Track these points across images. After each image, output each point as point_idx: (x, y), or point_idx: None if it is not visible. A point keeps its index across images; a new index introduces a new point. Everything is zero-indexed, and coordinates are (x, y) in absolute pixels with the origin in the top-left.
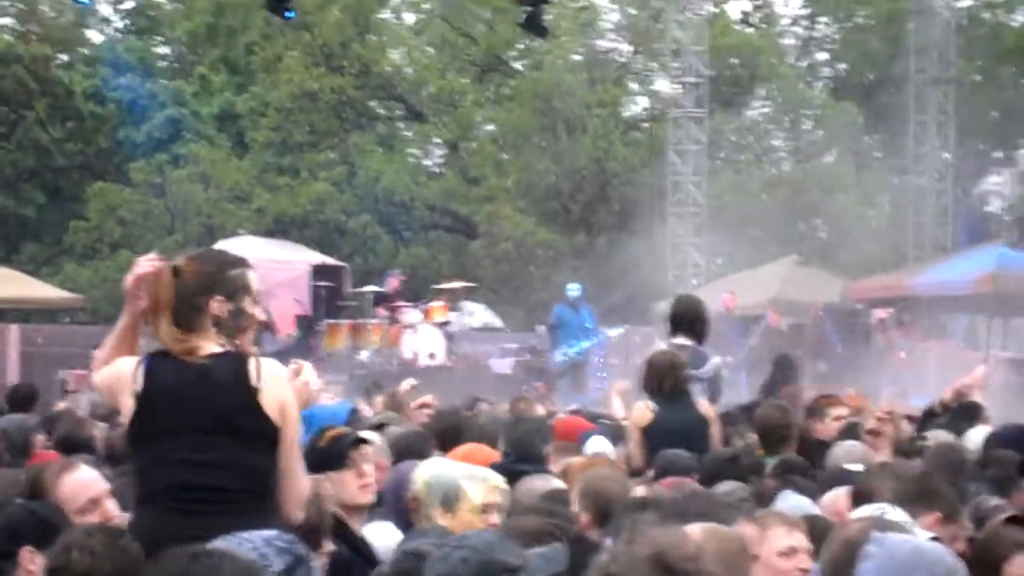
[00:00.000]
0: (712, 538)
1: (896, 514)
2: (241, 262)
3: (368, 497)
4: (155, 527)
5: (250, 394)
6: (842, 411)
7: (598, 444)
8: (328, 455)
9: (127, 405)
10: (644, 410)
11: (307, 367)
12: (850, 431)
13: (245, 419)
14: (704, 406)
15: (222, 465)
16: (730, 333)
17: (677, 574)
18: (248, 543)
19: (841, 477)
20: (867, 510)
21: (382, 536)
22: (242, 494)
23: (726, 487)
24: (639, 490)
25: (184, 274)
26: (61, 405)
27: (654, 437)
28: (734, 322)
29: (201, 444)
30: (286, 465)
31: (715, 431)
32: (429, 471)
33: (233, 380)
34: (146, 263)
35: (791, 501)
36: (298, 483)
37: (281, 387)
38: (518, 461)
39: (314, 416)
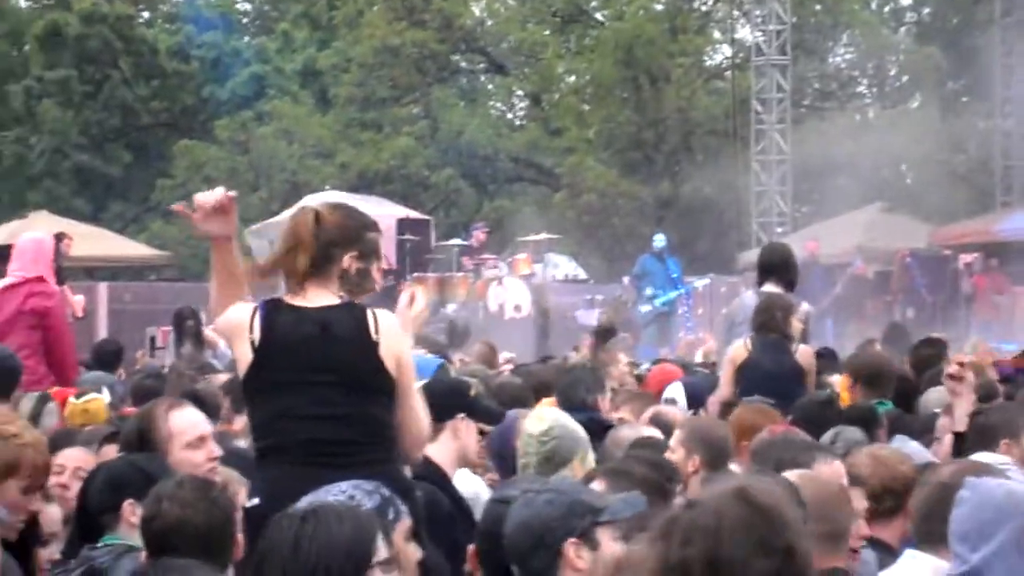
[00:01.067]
0: (809, 484)
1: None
2: (376, 226)
3: (480, 459)
4: (287, 480)
5: (370, 347)
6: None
7: (673, 391)
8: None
9: (244, 354)
10: (741, 347)
11: (419, 293)
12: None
13: (366, 373)
14: (804, 354)
15: (348, 418)
16: (815, 280)
17: (755, 506)
18: (337, 490)
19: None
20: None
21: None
22: (367, 446)
23: (848, 433)
24: None
25: (325, 223)
26: (142, 360)
27: (747, 375)
28: (819, 269)
29: (325, 397)
30: (404, 411)
31: (811, 380)
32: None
33: (354, 333)
34: (207, 196)
35: (908, 448)
36: (418, 426)
37: (397, 338)
38: (566, 411)
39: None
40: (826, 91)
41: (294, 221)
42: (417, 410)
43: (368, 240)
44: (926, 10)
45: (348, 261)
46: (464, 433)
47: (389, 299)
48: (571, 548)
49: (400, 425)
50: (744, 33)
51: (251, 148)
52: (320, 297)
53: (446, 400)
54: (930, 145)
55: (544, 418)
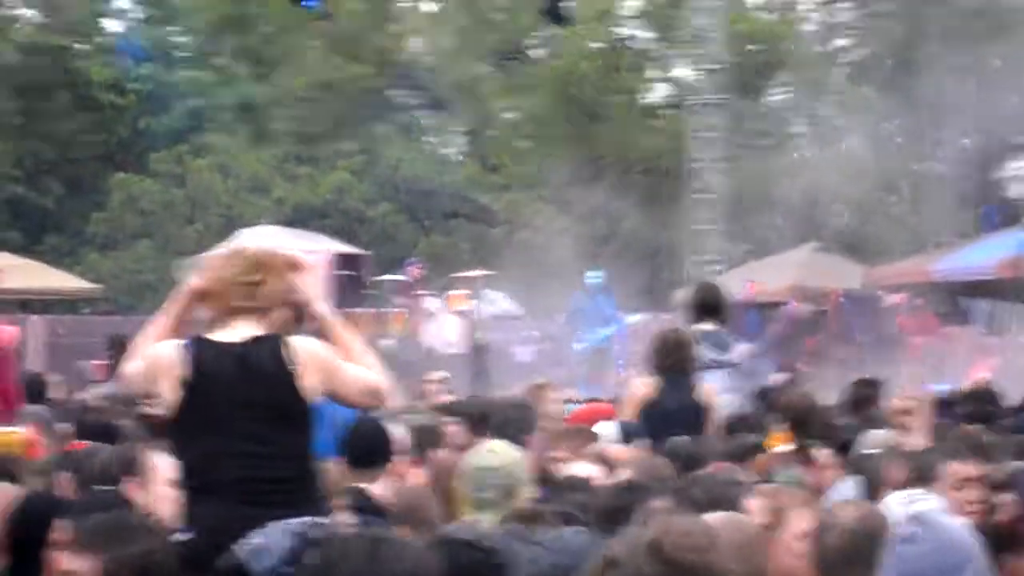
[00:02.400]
0: (729, 527)
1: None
2: (301, 264)
3: None
4: (224, 517)
5: (288, 377)
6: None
7: (604, 429)
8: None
9: (170, 392)
10: (642, 386)
11: (298, 255)
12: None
13: (288, 404)
14: (706, 390)
15: (277, 455)
16: (752, 320)
17: (675, 565)
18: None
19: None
20: (899, 496)
21: None
22: (299, 483)
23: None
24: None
25: (273, 262)
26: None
27: (650, 414)
28: (756, 309)
29: (253, 433)
30: (339, 386)
31: (713, 416)
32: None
33: (270, 365)
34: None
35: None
36: (358, 382)
37: (312, 357)
38: None
39: (337, 411)
40: (762, 130)
41: (242, 258)
42: (349, 370)
43: (301, 280)
44: (863, 51)
45: (285, 298)
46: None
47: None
48: None
49: (344, 392)
50: (682, 72)
51: (187, 182)
52: (241, 331)
53: (383, 444)
54: (865, 186)
55: (498, 451)
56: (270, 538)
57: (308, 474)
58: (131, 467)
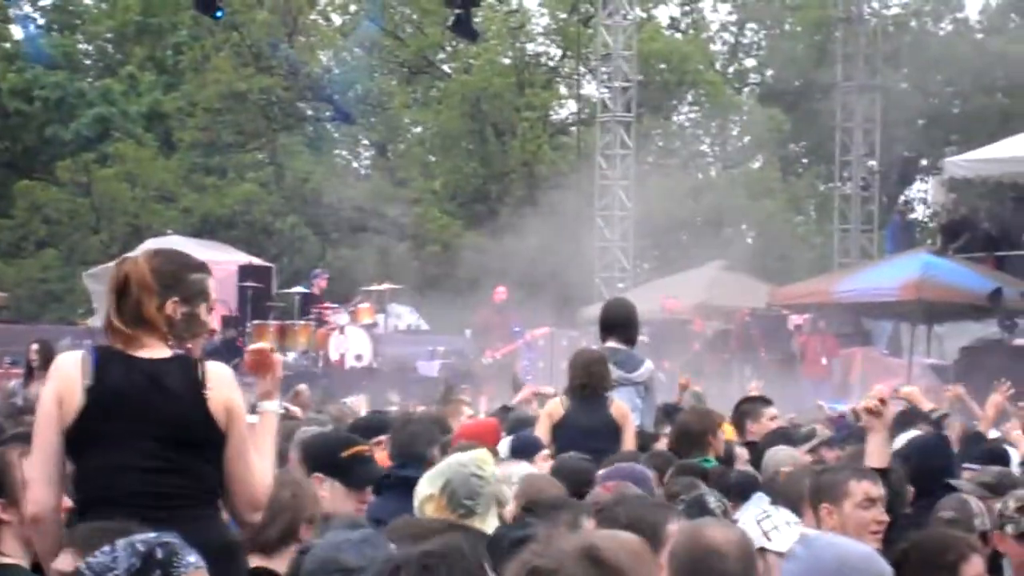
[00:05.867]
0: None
1: (782, 514)
2: (203, 267)
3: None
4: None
5: (200, 401)
6: (772, 411)
7: (501, 445)
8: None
9: (72, 402)
10: (557, 404)
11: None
12: (781, 435)
13: (196, 427)
14: (619, 408)
15: (175, 472)
16: (669, 336)
17: (612, 569)
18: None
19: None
20: (751, 511)
21: None
22: (192, 500)
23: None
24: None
25: (139, 272)
26: None
27: (563, 432)
28: (671, 325)
29: (154, 451)
30: (235, 467)
31: (628, 434)
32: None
33: (183, 387)
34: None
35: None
36: (251, 485)
37: (228, 389)
38: (403, 465)
39: None
40: (670, 149)
41: (113, 273)
42: (253, 464)
43: (191, 282)
44: (769, 72)
45: (171, 307)
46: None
47: (230, 350)
48: None
49: (232, 480)
50: (590, 89)
51: (93, 190)
52: (151, 349)
53: None
54: (771, 205)
55: (487, 460)
56: (117, 553)
57: (207, 494)
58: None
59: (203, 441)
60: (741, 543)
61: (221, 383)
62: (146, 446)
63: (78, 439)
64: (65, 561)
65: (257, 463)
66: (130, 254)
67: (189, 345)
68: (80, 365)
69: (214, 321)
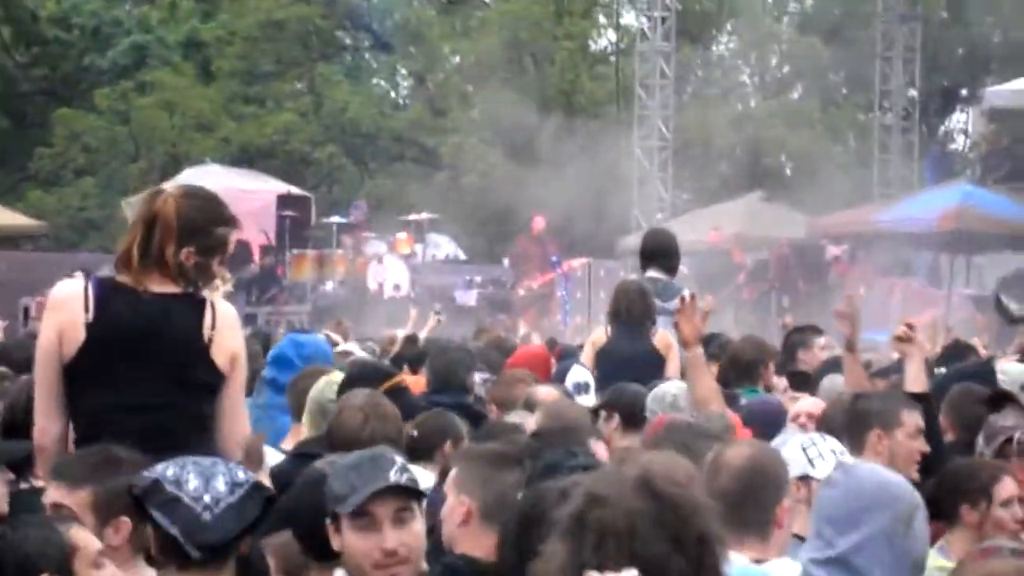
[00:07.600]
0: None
1: (828, 443)
2: (231, 220)
3: None
4: None
5: (204, 345)
6: (824, 340)
7: (579, 375)
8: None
9: (73, 334)
10: (601, 333)
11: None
12: (835, 363)
13: (199, 368)
14: (663, 338)
15: (174, 409)
16: (713, 268)
17: (663, 499)
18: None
19: None
20: (796, 440)
21: None
22: (186, 436)
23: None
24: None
25: (168, 212)
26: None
27: (605, 361)
28: (715, 256)
29: (156, 389)
30: (229, 409)
31: (673, 364)
32: None
33: (190, 326)
34: None
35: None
36: (239, 425)
37: (233, 334)
38: (440, 391)
39: (305, 346)
40: (709, 79)
41: (143, 204)
42: (241, 409)
43: (215, 236)
44: (809, 2)
45: (185, 254)
46: None
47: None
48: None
49: (224, 418)
50: (629, 19)
51: (132, 118)
52: (159, 284)
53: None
54: (810, 136)
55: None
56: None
57: (195, 428)
58: None
59: (206, 382)
60: (751, 457)
61: (229, 328)
62: (149, 384)
63: (79, 375)
64: (53, 494)
65: (242, 407)
66: (167, 184)
67: (193, 290)
68: (81, 298)
69: (225, 277)
